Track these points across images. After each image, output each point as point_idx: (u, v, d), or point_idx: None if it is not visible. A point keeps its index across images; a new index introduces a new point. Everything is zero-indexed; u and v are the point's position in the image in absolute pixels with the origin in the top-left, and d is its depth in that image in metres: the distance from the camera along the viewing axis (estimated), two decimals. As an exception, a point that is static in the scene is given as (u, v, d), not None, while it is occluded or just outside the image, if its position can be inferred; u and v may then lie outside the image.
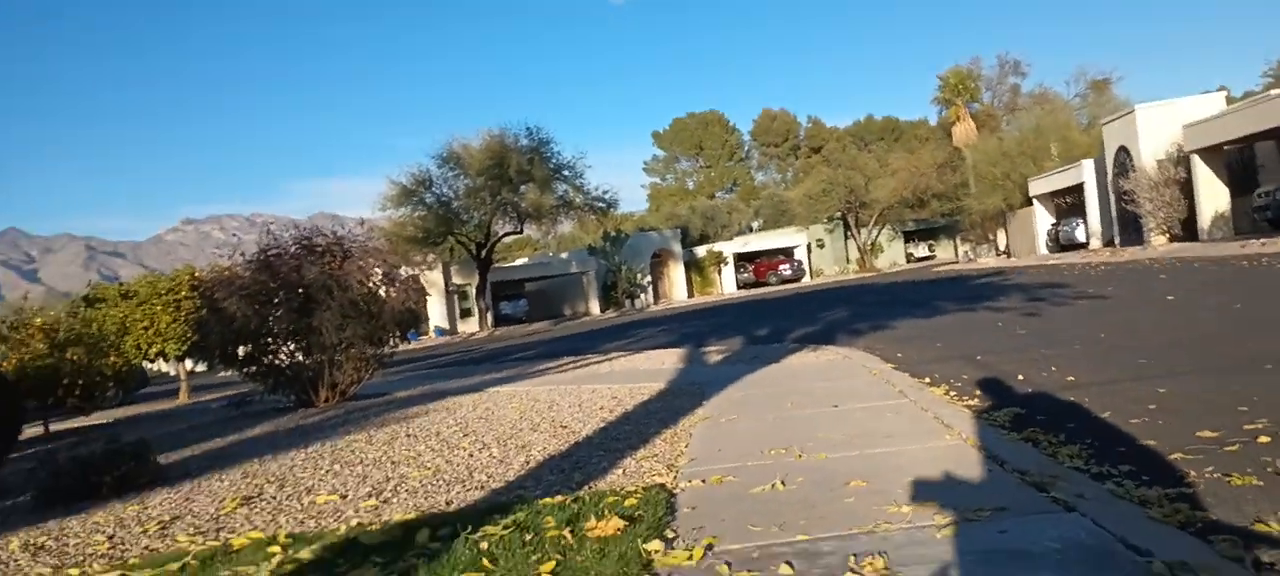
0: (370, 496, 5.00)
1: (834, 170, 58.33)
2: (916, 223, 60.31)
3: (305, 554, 3.62)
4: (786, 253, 58.34)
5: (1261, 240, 21.26)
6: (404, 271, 12.72)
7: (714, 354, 12.71)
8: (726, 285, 57.10)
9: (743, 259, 58.25)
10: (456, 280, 47.73)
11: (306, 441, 7.59)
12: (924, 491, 3.70)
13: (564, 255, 57.45)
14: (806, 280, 55.39)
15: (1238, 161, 28.26)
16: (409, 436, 7.21)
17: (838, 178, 56.78)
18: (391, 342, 11.96)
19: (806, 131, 78.13)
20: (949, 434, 4.93)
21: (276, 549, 3.78)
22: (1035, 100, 52.34)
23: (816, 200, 57.76)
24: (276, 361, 11.12)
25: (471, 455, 6.01)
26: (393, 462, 6.03)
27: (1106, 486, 3.84)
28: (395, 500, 4.85)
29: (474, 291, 46.21)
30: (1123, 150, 31.65)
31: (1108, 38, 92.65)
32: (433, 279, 45.52)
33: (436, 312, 46.20)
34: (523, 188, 41.72)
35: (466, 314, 47.77)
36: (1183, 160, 28.33)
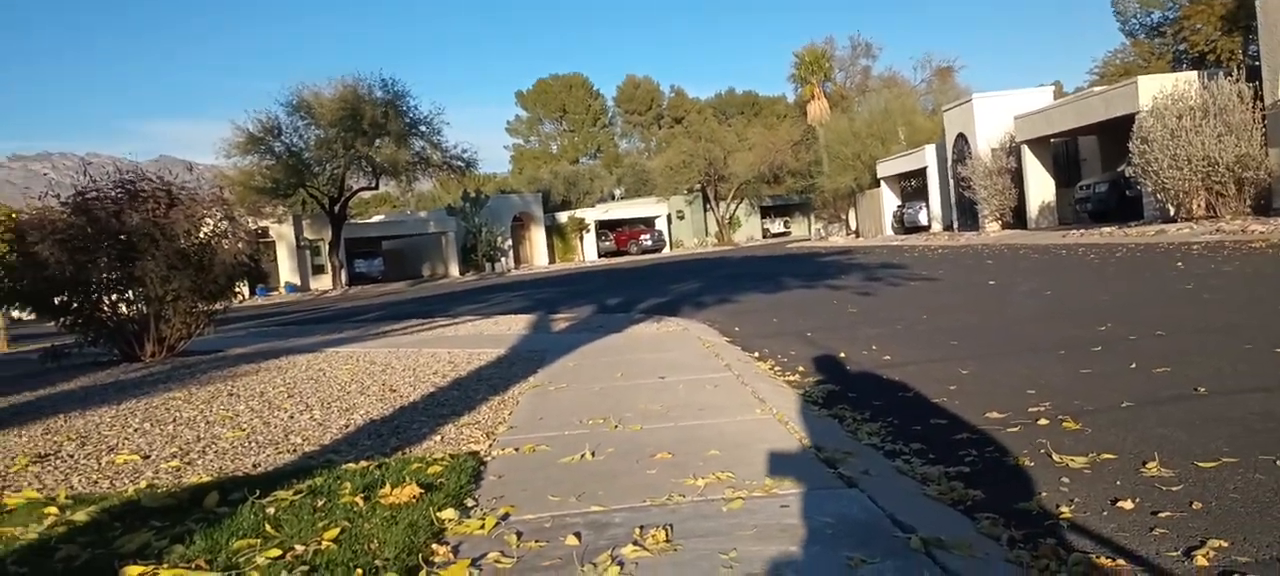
0: (175, 457, 4.79)
1: (695, 142, 59.09)
2: (773, 199, 61.84)
3: (81, 515, 3.44)
4: (648, 223, 58.85)
5: (1081, 230, 22.76)
6: (244, 222, 12.17)
7: (562, 322, 12.73)
8: (588, 252, 57.19)
9: (605, 227, 58.43)
10: (309, 235, 46.08)
11: (121, 397, 7.21)
12: (723, 465, 3.81)
13: (423, 214, 56.26)
14: (666, 251, 56.07)
15: (1063, 154, 30.13)
16: (231, 395, 6.95)
17: (698, 150, 57.56)
18: (230, 297, 11.46)
19: (670, 101, 78.71)
20: (761, 409, 5.09)
21: (52, 510, 3.58)
22: (884, 83, 54.39)
23: (677, 171, 58.44)
24: (98, 312, 10.49)
25: (292, 417, 5.84)
26: (207, 422, 5.80)
27: (895, 463, 4.05)
28: (200, 462, 4.67)
29: (327, 247, 44.71)
30: (961, 137, 33.22)
31: (955, 25, 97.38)
32: (282, 232, 43.84)
33: (287, 268, 44.53)
34: (378, 141, 40.54)
35: (319, 270, 46.22)
36: (1014, 150, 29.96)
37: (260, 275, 38.31)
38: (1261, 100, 19.29)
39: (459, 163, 43.80)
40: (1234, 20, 29.65)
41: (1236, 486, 3.34)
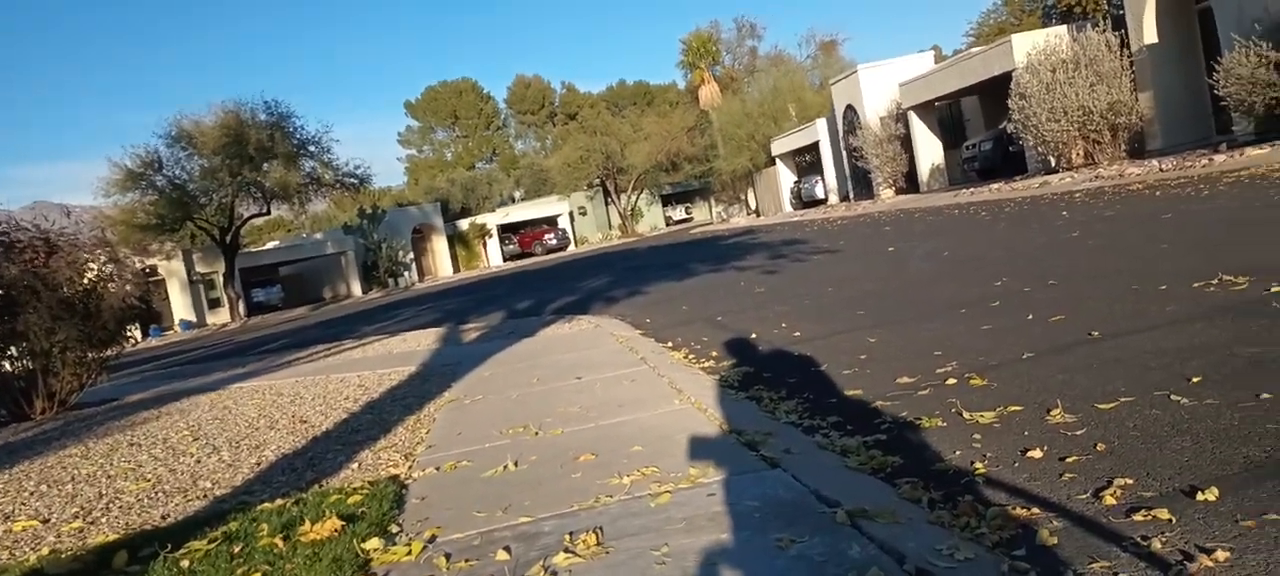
0: (77, 517, 4.57)
1: (590, 137, 59.08)
2: (672, 186, 62.25)
3: (-20, 598, 3.26)
4: (551, 222, 58.64)
5: (971, 189, 23.50)
6: (130, 262, 11.68)
7: (472, 331, 12.59)
8: (492, 258, 56.67)
9: (507, 230, 58.00)
10: (201, 269, 44.52)
11: (13, 460, 6.84)
12: (647, 460, 3.82)
13: (319, 236, 54.92)
14: (572, 248, 55.93)
15: (948, 116, 31.06)
16: (132, 445, 6.66)
17: (595, 144, 57.57)
18: (122, 342, 10.99)
19: (561, 98, 78.46)
20: (679, 398, 5.11)
21: (-52, 596, 3.38)
22: (772, 62, 55.22)
23: (575, 168, 58.35)
24: (-22, 373, 9.93)
25: (199, 461, 5.64)
26: (109, 477, 5.55)
27: (815, 438, 4.12)
28: (105, 520, 4.47)
29: (221, 280, 43.29)
30: (850, 109, 33.96)
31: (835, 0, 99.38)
32: (173, 269, 42.31)
33: (181, 305, 42.96)
34: (266, 166, 39.38)
35: (215, 304, 44.71)
36: (901, 117, 30.76)
37: (152, 315, 36.90)
38: (1128, 47, 20.19)
39: (352, 180, 42.88)
40: (1095, -26, 31.01)
41: (1135, 424, 3.49)
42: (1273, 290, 5.10)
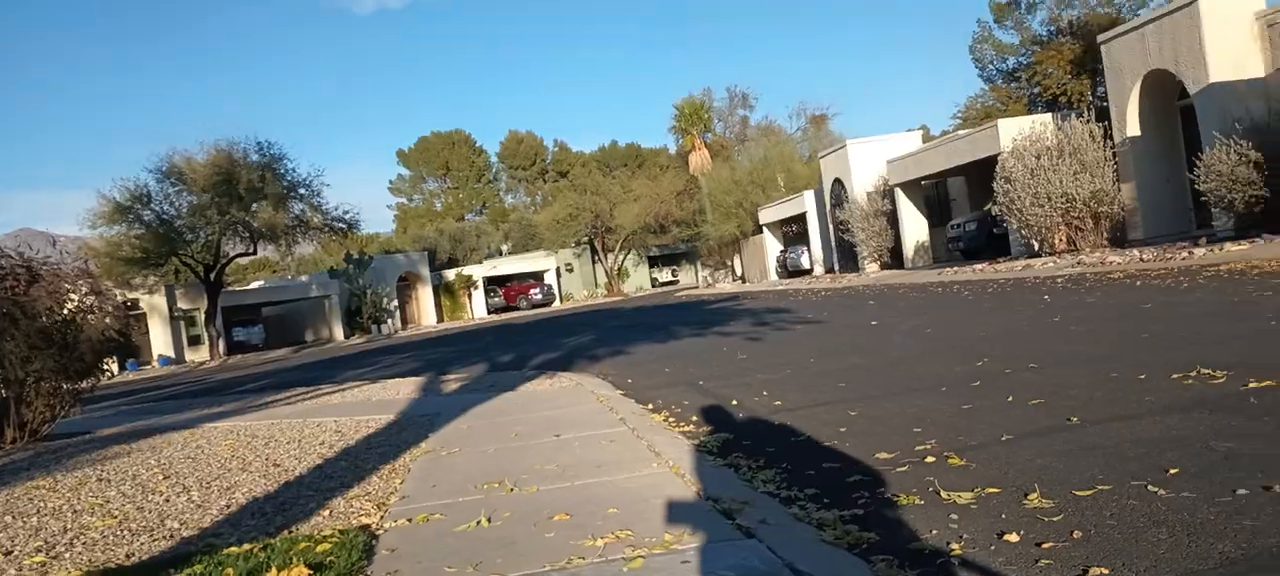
0: (40, 552, 4.49)
1: (580, 195, 59.40)
2: (660, 248, 62.51)
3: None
4: (537, 277, 58.70)
5: (955, 268, 23.71)
6: (112, 295, 11.60)
7: (453, 382, 12.53)
8: (477, 309, 56.56)
9: (493, 282, 58.00)
10: (183, 305, 44.24)
11: (-23, 490, 6.72)
12: (622, 523, 3.79)
13: (304, 278, 54.71)
14: (557, 304, 55.92)
15: (934, 195, 31.44)
16: (101, 481, 6.56)
17: (584, 203, 57.86)
18: (98, 375, 10.87)
19: (554, 155, 79.09)
20: (658, 462, 5.08)
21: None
22: (762, 132, 55.91)
23: (564, 225, 58.57)
24: (-50, 399, 9.78)
25: (168, 500, 5.55)
26: (75, 511, 5.46)
27: (792, 510, 4.10)
28: (68, 555, 4.39)
29: (203, 317, 42.97)
30: (838, 182, 34.32)
31: (827, 74, 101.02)
32: (155, 303, 42.04)
33: (160, 340, 42.59)
34: (255, 206, 39.40)
35: (195, 341, 44.33)
36: (888, 193, 31.11)
37: (131, 349, 36.54)
38: (1111, 139, 20.56)
39: (341, 224, 42.93)
40: (1082, 64, 31.67)
41: (1112, 512, 3.49)
42: (1250, 386, 5.15)
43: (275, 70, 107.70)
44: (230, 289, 47.89)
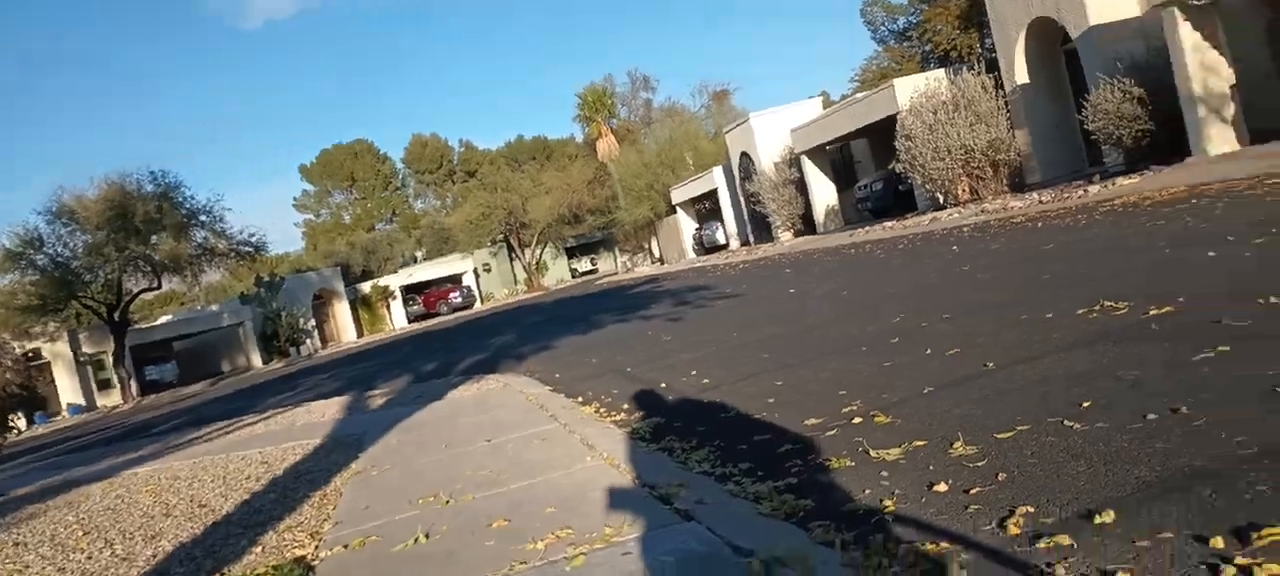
0: (-44, 630, 4.29)
1: (491, 193, 58.87)
2: (576, 238, 62.35)
3: None
4: (455, 280, 58.02)
5: (866, 229, 24.18)
6: (10, 348, 11.14)
7: (378, 398, 12.33)
8: (397, 320, 55.68)
9: (411, 290, 57.13)
10: (89, 349, 42.50)
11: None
12: (561, 521, 3.78)
13: (214, 307, 53.08)
14: (478, 305, 55.39)
15: (839, 159, 31.99)
16: (16, 545, 6.29)
17: (496, 200, 57.36)
18: (4, 433, 10.43)
19: (460, 155, 78.06)
20: (592, 455, 5.09)
21: None
22: (666, 113, 56.19)
23: (477, 224, 57.99)
24: None
25: (90, 557, 5.35)
26: (-9, 582, 5.23)
27: (727, 487, 4.14)
28: (-12, 629, 4.20)
29: (111, 359, 41.37)
30: (745, 156, 34.67)
31: (725, 50, 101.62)
32: (59, 351, 40.32)
33: (68, 388, 40.86)
34: (154, 238, 38.05)
35: (106, 385, 42.64)
36: (794, 161, 31.53)
37: (37, 402, 35.02)
38: (1002, 88, 21.18)
39: (247, 248, 41.72)
40: (969, 19, 32.53)
41: (1033, 451, 3.61)
42: (1150, 314, 5.37)
43: (165, 99, 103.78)
44: (137, 327, 46.21)
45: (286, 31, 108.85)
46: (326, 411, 11.66)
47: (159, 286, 43.13)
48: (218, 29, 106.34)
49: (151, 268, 39.37)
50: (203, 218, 40.01)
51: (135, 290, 41.25)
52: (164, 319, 53.05)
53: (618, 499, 4.01)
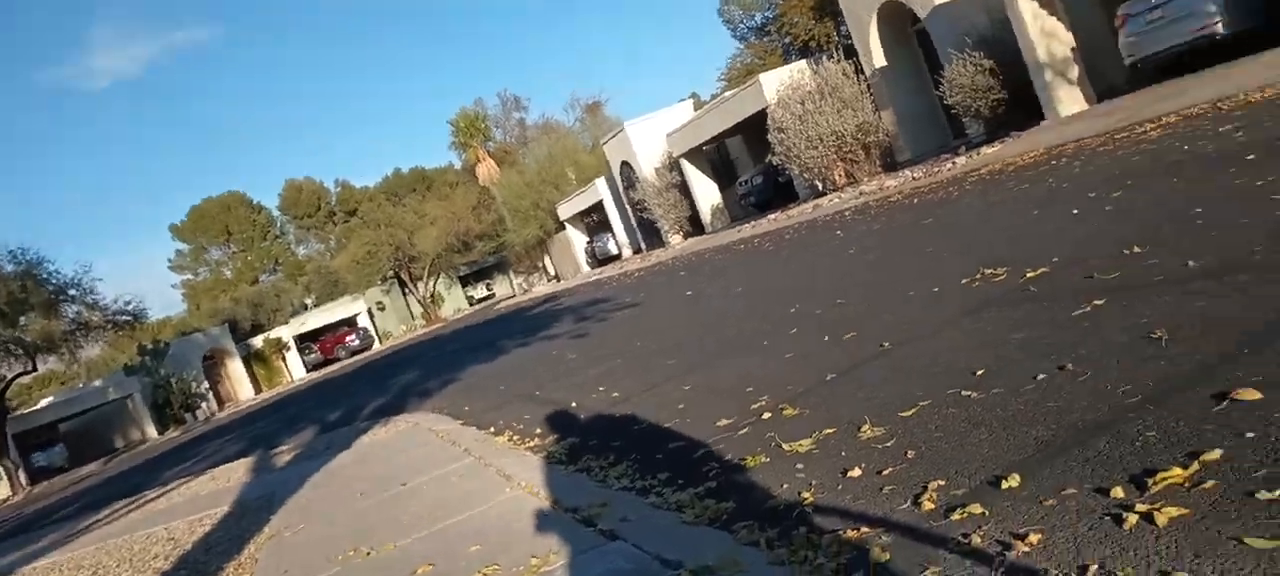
0: None
1: (375, 230, 57.77)
2: (468, 266, 61.68)
3: None
4: (350, 322, 56.66)
5: (752, 223, 24.62)
6: None
7: (284, 454, 11.98)
8: (295, 370, 54.07)
9: (306, 339, 55.57)
10: (-33, 443, 39.98)
11: None
12: (486, 558, 3.77)
13: (98, 382, 50.45)
14: (377, 345, 54.23)
15: (717, 158, 32.48)
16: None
17: (380, 237, 56.31)
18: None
19: (338, 196, 76.28)
20: (510, 486, 5.07)
21: None
22: (542, 131, 56.18)
23: (364, 264, 56.82)
24: None
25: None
26: None
27: (649, 499, 4.18)
28: None
29: (-8, 451, 38.95)
30: (626, 165, 34.89)
31: (591, 63, 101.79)
32: (-70, 452, 37.78)
33: (-52, 489, 38.32)
34: (22, 319, 36.06)
35: (-9, 480, 40.15)
36: (674, 165, 31.89)
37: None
38: (863, 73, 21.87)
39: (125, 317, 39.89)
40: (822, 9, 33.32)
41: (936, 425, 3.77)
42: (1027, 276, 5.65)
43: (16, 171, 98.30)
44: (18, 414, 43.71)
45: (136, 89, 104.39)
46: (232, 475, 11.27)
47: (35, 368, 40.86)
48: (63, 94, 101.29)
49: (24, 350, 37.31)
50: (72, 292, 38.07)
51: (9, 375, 38.99)
52: (46, 401, 50.22)
53: (542, 526, 4.01)
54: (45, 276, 37.01)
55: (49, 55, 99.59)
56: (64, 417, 47.24)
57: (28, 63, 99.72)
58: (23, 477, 38.22)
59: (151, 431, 45.39)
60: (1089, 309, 4.48)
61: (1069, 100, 15.41)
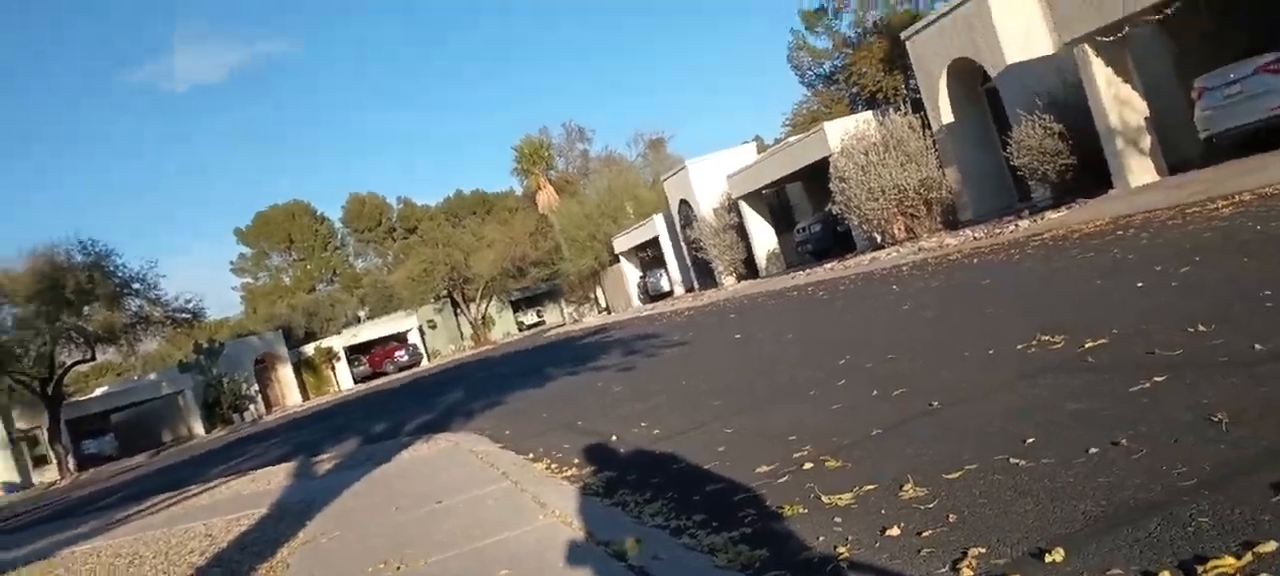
0: None
1: (433, 249, 58.53)
2: (521, 291, 62.16)
3: None
4: (400, 338, 57.37)
5: (807, 271, 24.50)
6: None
7: (326, 462, 12.10)
8: (343, 381, 54.82)
9: (356, 351, 56.37)
10: (22, 425, 41.18)
11: None
12: (518, 585, 3.74)
13: (153, 377, 51.64)
14: (425, 363, 54.79)
15: (777, 203, 32.39)
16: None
17: (438, 256, 57.02)
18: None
19: (399, 213, 77.53)
20: (544, 514, 5.05)
21: None
22: (604, 163, 56.60)
23: (420, 281, 57.54)
24: None
25: (26, 647, 5.15)
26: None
27: (682, 540, 4.14)
28: None
29: (46, 434, 40.03)
30: (684, 203, 34.96)
31: (657, 99, 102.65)
32: (-11, 430, 39.02)
33: (2, 466, 39.42)
34: (87, 309, 37.10)
35: (41, 461, 41.24)
36: (733, 206, 31.87)
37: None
38: (929, 128, 21.71)
39: (184, 315, 40.87)
40: (892, 61, 33.21)
41: (981, 490, 3.67)
42: (1086, 346, 5.51)
43: (94, 168, 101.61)
44: (73, 400, 44.90)
45: (215, 94, 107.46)
46: (273, 478, 11.41)
47: (93, 358, 42.02)
48: (146, 94, 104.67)
49: (85, 339, 38.40)
50: (136, 286, 39.20)
51: (69, 362, 40.12)
52: (100, 390, 51.57)
53: (572, 557, 3.98)
54: (112, 269, 38.13)
55: (132, 57, 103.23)
56: (116, 408, 48.42)
57: (115, 62, 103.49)
58: (72, 463, 39.19)
59: (199, 429, 46.27)
60: (1148, 384, 4.35)
61: (1140, 170, 15.11)
